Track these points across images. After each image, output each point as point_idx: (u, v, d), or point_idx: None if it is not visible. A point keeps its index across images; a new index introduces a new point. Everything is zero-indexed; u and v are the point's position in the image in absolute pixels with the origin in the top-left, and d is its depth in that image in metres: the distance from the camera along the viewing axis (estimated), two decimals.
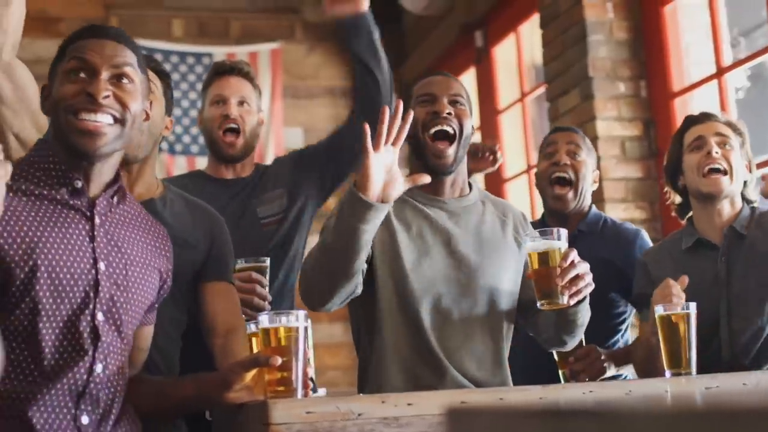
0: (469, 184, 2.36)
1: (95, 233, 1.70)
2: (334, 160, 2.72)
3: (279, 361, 1.68)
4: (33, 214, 1.65)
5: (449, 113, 2.25)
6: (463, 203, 2.29)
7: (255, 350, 1.97)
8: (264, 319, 1.76)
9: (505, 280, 2.23)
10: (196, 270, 2.12)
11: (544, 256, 2.07)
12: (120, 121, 1.70)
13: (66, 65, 1.72)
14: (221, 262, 2.16)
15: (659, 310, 2.16)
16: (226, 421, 1.91)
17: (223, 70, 2.77)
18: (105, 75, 1.70)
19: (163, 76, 2.25)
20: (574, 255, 2.06)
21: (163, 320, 1.98)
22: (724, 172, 2.43)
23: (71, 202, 1.69)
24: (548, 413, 0.87)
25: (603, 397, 1.87)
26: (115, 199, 1.76)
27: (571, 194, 2.76)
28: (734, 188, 2.46)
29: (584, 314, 2.17)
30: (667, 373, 2.14)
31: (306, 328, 1.78)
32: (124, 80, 1.72)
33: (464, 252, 2.21)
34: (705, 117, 2.53)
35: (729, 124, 2.50)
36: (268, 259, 2.48)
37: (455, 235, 2.22)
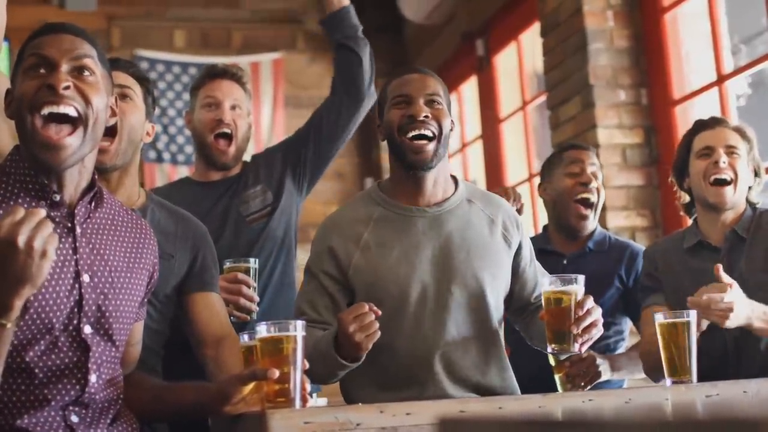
0: (454, 179, 2.27)
1: (77, 245, 1.66)
2: (316, 138, 2.76)
3: (276, 374, 1.66)
4: None
5: (426, 116, 2.14)
6: (446, 207, 2.20)
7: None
8: (262, 329, 1.76)
9: (496, 282, 2.19)
10: (179, 281, 2.10)
11: (559, 300, 2.05)
12: (82, 121, 1.64)
13: (25, 63, 1.67)
14: (206, 273, 2.13)
15: (659, 318, 2.15)
16: (224, 430, 1.91)
17: (215, 73, 2.77)
18: (65, 67, 1.65)
19: (143, 82, 2.21)
20: (590, 303, 2.03)
21: (143, 332, 1.96)
22: (730, 182, 2.47)
23: (51, 214, 1.62)
24: (542, 424, 0.87)
25: (601, 406, 1.87)
26: (93, 204, 1.71)
27: (592, 215, 2.81)
28: (738, 196, 2.50)
29: None
30: (668, 381, 2.13)
31: (303, 338, 1.77)
32: (86, 72, 1.67)
33: (451, 263, 2.15)
34: (715, 122, 2.56)
35: (738, 130, 2.54)
36: (256, 260, 2.45)
37: (440, 247, 2.15)
